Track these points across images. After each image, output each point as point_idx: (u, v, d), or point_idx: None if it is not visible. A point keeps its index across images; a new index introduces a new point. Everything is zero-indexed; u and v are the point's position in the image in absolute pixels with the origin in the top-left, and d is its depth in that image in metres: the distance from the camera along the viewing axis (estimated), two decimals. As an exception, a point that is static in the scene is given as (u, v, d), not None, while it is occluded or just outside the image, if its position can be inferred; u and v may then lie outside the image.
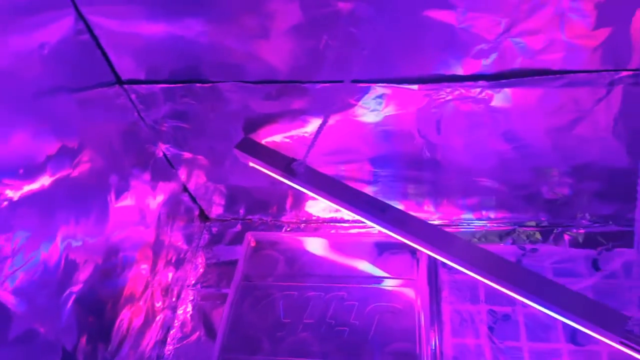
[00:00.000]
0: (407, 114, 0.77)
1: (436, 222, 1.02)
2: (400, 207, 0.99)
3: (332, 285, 0.90)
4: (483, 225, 1.01)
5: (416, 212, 1.01)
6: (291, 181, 0.77)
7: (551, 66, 0.67)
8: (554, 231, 0.98)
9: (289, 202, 1.03)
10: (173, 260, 0.95)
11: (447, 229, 1.01)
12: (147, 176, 0.85)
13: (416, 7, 0.62)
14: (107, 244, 0.76)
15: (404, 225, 0.72)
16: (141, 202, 0.84)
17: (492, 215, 1.00)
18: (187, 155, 0.91)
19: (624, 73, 0.67)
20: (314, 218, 1.05)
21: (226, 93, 0.77)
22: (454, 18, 0.62)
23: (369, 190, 0.95)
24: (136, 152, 0.84)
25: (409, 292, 0.86)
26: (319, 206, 1.02)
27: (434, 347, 0.83)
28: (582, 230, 0.98)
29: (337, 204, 0.75)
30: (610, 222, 0.97)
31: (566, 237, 0.97)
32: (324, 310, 0.86)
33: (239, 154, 0.82)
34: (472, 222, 1.02)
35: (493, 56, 0.66)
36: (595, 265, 0.88)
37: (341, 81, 0.68)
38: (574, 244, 0.96)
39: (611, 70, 0.67)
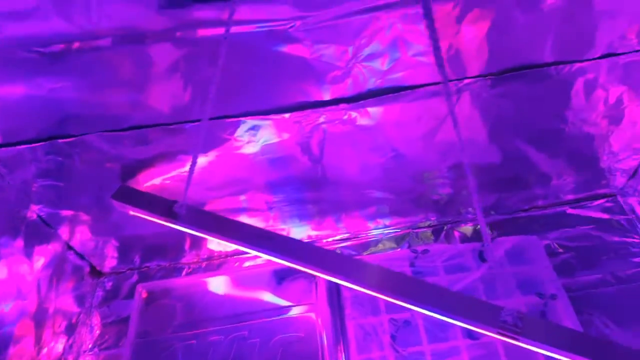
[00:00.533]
0: (285, 140, 0.79)
1: (340, 237, 1.05)
2: (303, 228, 1.01)
3: (233, 325, 0.88)
4: (381, 233, 1.05)
5: (319, 230, 1.03)
6: (175, 224, 0.76)
7: (401, 83, 0.71)
8: (444, 229, 1.04)
9: (187, 242, 1.01)
10: (63, 327, 0.89)
11: (351, 242, 1.05)
12: (19, 243, 0.79)
13: (266, 44, 0.64)
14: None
15: (291, 252, 0.72)
16: (14, 273, 0.78)
17: (387, 222, 1.04)
18: (65, 212, 0.86)
19: (466, 81, 0.73)
20: (215, 254, 1.04)
21: (94, 144, 0.75)
22: (304, 50, 0.65)
23: (267, 216, 0.96)
24: (4, 218, 0.78)
25: (311, 317, 0.87)
26: (219, 242, 1.01)
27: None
28: (469, 224, 1.05)
29: (223, 240, 0.75)
30: (492, 212, 1.05)
31: (455, 232, 1.04)
32: (226, 355, 0.84)
33: (117, 203, 0.79)
34: (371, 231, 1.05)
35: (348, 80, 0.70)
36: (481, 257, 0.94)
37: (207, 119, 0.68)
38: (463, 238, 1.03)
39: (454, 80, 0.73)
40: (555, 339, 0.62)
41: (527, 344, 0.62)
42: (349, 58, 0.67)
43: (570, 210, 1.04)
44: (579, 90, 0.79)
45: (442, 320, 0.86)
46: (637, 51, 0.76)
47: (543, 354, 0.80)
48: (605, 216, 1.03)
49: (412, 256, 0.96)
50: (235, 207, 0.93)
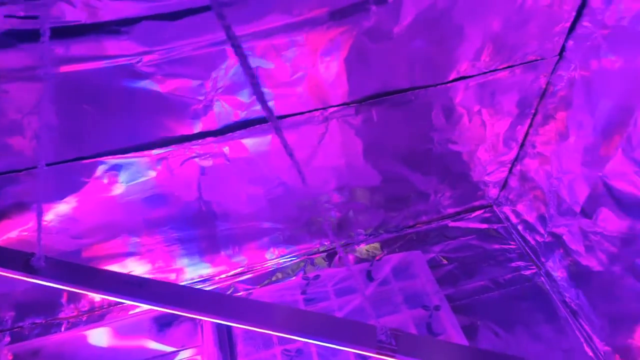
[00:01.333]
0: (154, 178, 0.76)
1: (235, 271, 1.03)
2: (197, 266, 0.98)
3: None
4: (277, 263, 1.04)
5: (215, 266, 1.00)
6: (34, 279, 0.70)
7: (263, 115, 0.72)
8: (337, 252, 1.06)
9: (64, 295, 0.93)
10: None
11: (248, 274, 1.03)
12: None
13: (114, 80, 0.61)
14: None
15: (163, 297, 0.69)
16: None
17: (282, 251, 1.04)
18: None
19: (331, 109, 0.75)
20: (97, 305, 0.97)
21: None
22: (156, 85, 0.63)
23: (153, 259, 0.92)
24: None
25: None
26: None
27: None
28: (362, 245, 1.07)
29: (88, 292, 0.70)
30: (381, 231, 1.08)
31: (350, 255, 1.06)
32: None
33: (-32, 261, 0.72)
34: (266, 263, 1.04)
35: (212, 113, 0.69)
36: (369, 277, 0.96)
37: (56, 163, 0.64)
38: (357, 260, 1.05)
39: (320, 109, 0.75)
40: (430, 352, 0.64)
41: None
42: (208, 90, 0.66)
43: (451, 224, 1.10)
44: (439, 112, 0.84)
45: (334, 345, 0.87)
46: (489, 72, 0.83)
47: None
48: (484, 226, 1.10)
49: (303, 284, 0.96)
50: (117, 252, 0.88)
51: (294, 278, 1.01)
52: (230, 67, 0.64)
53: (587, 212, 0.86)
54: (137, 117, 0.67)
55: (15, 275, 0.70)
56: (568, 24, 0.79)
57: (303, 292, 0.94)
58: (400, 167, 0.92)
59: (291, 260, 1.05)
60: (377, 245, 1.07)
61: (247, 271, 1.03)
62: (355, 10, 0.63)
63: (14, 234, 0.75)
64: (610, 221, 0.81)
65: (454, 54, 0.77)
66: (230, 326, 0.90)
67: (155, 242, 0.88)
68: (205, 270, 0.99)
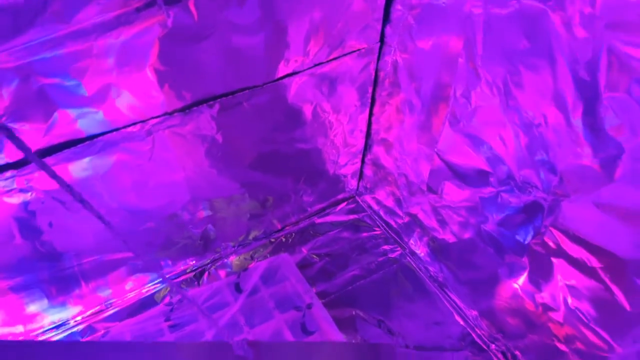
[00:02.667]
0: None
1: (97, 308, 0.95)
2: (63, 308, 0.89)
3: None
4: (138, 294, 0.98)
5: (74, 305, 0.91)
6: None
7: (78, 135, 0.66)
8: (208, 269, 1.02)
9: None
10: None
11: (116, 308, 0.95)
12: None
13: None
14: None
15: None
16: None
17: (146, 279, 0.97)
18: None
19: (152, 121, 0.71)
20: None
21: None
22: None
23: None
24: None
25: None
26: None
27: None
28: (232, 257, 1.04)
29: None
30: (251, 240, 1.06)
31: (220, 272, 1.02)
32: None
33: None
34: (128, 295, 0.97)
35: (3, 146, 0.62)
36: (237, 289, 0.93)
37: None
38: (230, 273, 1.01)
39: (139, 122, 0.70)
40: (290, 356, 0.63)
41: None
42: (-3, 119, 0.59)
43: (318, 220, 1.11)
44: (276, 111, 0.84)
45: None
46: (319, 64, 0.83)
47: None
48: (350, 217, 1.12)
49: (167, 310, 0.90)
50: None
51: (159, 305, 0.95)
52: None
53: (433, 188, 0.91)
54: None
55: None
56: (382, 10, 0.83)
57: (167, 319, 0.88)
58: (251, 172, 0.91)
59: (155, 287, 0.99)
60: (248, 255, 1.05)
61: (106, 308, 0.96)
62: (151, 13, 0.60)
63: None
64: (453, 193, 0.86)
65: (278, 50, 0.77)
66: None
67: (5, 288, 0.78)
68: (58, 314, 0.90)
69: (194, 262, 1.02)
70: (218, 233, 1.00)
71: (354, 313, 0.95)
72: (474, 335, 0.90)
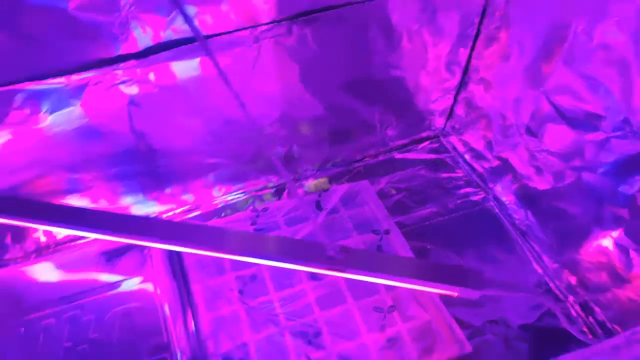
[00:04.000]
0: (78, 108, 0.73)
1: (183, 209, 1.01)
2: (144, 204, 0.96)
3: (64, 307, 0.82)
4: (225, 200, 1.03)
5: (163, 204, 0.98)
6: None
7: (192, 33, 0.68)
8: (285, 188, 1.05)
9: (7, 236, 0.91)
10: None
11: (197, 211, 1.01)
12: None
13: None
14: None
15: (110, 225, 0.68)
16: None
17: (229, 188, 1.03)
18: None
19: (261, 28, 0.72)
20: (43, 244, 0.95)
21: None
22: (63, 2, 0.59)
23: (94, 196, 0.89)
24: None
25: (148, 287, 0.84)
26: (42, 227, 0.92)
27: (190, 330, 0.82)
28: (310, 180, 1.07)
29: (29, 223, 0.68)
30: (329, 165, 1.08)
31: (298, 191, 1.05)
32: (59, 336, 0.78)
33: None
34: (214, 200, 1.03)
35: (129, 34, 0.66)
36: (318, 206, 0.96)
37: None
38: (304, 193, 1.04)
39: (250, 27, 0.71)
40: (376, 265, 0.65)
41: (354, 274, 0.64)
42: (121, 6, 0.62)
43: (398, 155, 1.10)
44: (377, 31, 0.82)
45: (287, 268, 0.88)
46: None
47: (383, 285, 0.85)
48: (431, 156, 1.11)
49: (253, 216, 0.95)
50: (55, 189, 0.85)
51: (240, 213, 1.01)
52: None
53: (533, 131, 0.87)
54: (47, 40, 0.63)
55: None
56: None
57: (253, 223, 0.94)
58: (342, 95, 0.91)
59: (238, 197, 1.04)
60: (325, 180, 1.07)
61: (195, 208, 1.02)
62: None
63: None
64: (556, 137, 0.82)
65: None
66: (180, 256, 0.89)
67: (93, 178, 0.85)
68: (152, 208, 0.98)
69: (274, 179, 1.05)
70: (300, 154, 1.02)
71: (428, 247, 0.95)
72: (552, 285, 0.88)
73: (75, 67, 0.67)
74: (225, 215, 1.00)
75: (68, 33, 0.63)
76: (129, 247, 0.87)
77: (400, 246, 0.90)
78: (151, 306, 0.81)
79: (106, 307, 0.82)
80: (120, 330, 0.79)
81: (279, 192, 1.05)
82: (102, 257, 0.87)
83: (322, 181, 1.07)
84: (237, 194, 1.04)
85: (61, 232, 0.92)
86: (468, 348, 0.79)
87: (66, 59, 0.66)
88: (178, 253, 0.91)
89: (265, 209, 0.96)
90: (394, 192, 1.04)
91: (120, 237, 0.70)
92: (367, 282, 0.84)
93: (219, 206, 1.03)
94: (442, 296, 0.83)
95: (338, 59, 0.83)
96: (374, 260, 0.66)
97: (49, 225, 0.69)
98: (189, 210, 1.02)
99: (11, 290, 0.85)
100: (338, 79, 0.87)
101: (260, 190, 1.05)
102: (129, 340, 0.78)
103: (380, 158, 1.10)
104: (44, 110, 0.70)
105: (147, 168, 0.90)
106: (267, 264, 0.67)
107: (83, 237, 0.95)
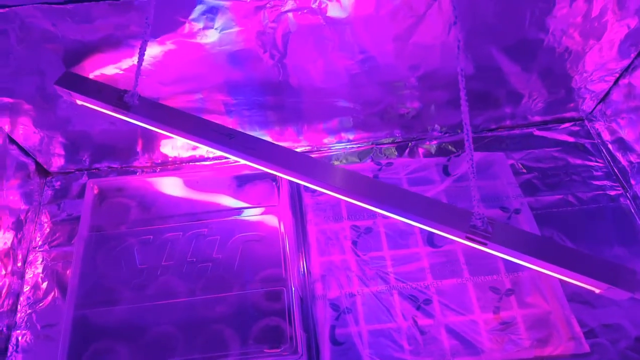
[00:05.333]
0: (245, 30, 0.72)
1: (301, 149, 1.01)
2: (264, 137, 0.97)
3: (191, 223, 0.85)
4: (344, 147, 1.02)
5: (279, 140, 0.98)
6: (124, 115, 0.70)
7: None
8: (409, 145, 1.02)
9: (139, 144, 0.95)
10: (10, 223, 0.84)
11: (312, 154, 1.01)
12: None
13: None
14: None
15: (253, 150, 0.68)
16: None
17: (351, 136, 1.01)
18: (4, 99, 0.79)
19: (447, -27, 0.67)
20: (170, 159, 0.99)
21: (31, 18, 0.66)
22: None
23: (225, 121, 0.91)
24: None
25: (272, 219, 0.85)
26: (174, 144, 0.95)
27: (301, 269, 0.83)
28: (434, 142, 1.03)
29: (177, 135, 0.70)
30: (459, 131, 1.02)
31: (420, 149, 1.02)
32: (184, 250, 0.82)
33: (62, 90, 0.72)
34: (333, 145, 1.02)
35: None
36: (445, 171, 0.92)
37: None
38: (427, 154, 1.01)
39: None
40: (523, 245, 0.60)
41: (495, 250, 0.61)
42: None
43: (537, 132, 1.03)
44: (561, -4, 0.74)
45: (404, 228, 0.86)
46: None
47: (502, 261, 0.82)
48: (571, 139, 1.03)
49: (375, 168, 0.93)
50: (191, 107, 0.87)
51: (360, 163, 0.99)
52: None
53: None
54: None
55: (108, 110, 0.71)
56: None
57: (375, 177, 0.92)
58: (501, 55, 0.84)
59: (359, 146, 1.02)
60: (451, 144, 1.02)
61: (313, 150, 1.02)
62: None
63: (108, 71, 0.75)
64: None
65: None
66: (301, 196, 0.90)
67: (232, 103, 0.86)
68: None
69: (399, 134, 1.02)
70: (433, 113, 0.98)
71: (554, 235, 0.90)
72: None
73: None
74: (345, 163, 0.99)
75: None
76: (261, 176, 0.88)
77: (530, 229, 0.85)
78: (273, 238, 0.82)
79: (232, 231, 0.84)
80: (241, 256, 0.82)
81: (400, 148, 1.02)
82: (234, 182, 0.89)
83: (447, 144, 1.02)
84: (358, 144, 1.02)
85: (200, 148, 0.94)
86: (586, 348, 0.76)
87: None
88: (299, 191, 0.92)
89: (389, 164, 0.94)
90: (524, 170, 0.98)
91: (258, 163, 0.70)
92: (486, 259, 0.81)
93: (336, 153, 1.02)
94: (564, 288, 0.80)
95: (513, 16, 0.77)
96: (523, 240, 0.61)
97: (193, 139, 0.71)
98: (307, 152, 1.01)
99: (141, 198, 0.89)
100: (505, 38, 0.81)
101: (382, 143, 1.02)
102: (248, 267, 0.81)
103: (516, 131, 1.03)
104: (215, 27, 0.70)
105: (281, 102, 0.90)
106: (395, 219, 0.65)
107: (219, 163, 0.97)
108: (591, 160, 1.00)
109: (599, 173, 0.98)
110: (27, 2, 0.64)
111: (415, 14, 0.73)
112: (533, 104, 0.98)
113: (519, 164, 0.99)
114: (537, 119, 1.03)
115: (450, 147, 1.01)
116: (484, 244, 0.61)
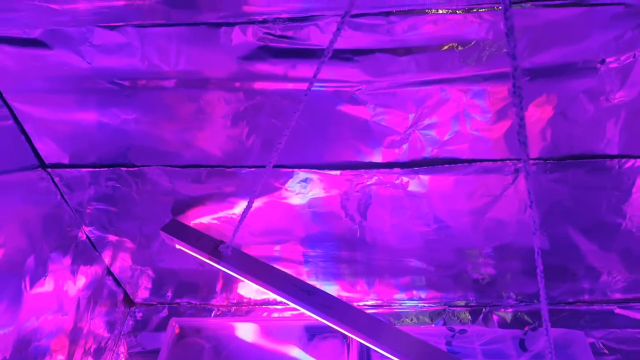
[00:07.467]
0: (332, 197, 0.80)
1: (370, 302, 1.03)
2: (334, 287, 1.00)
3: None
4: (414, 305, 1.02)
5: (350, 292, 1.01)
6: (218, 264, 0.77)
7: (459, 155, 0.72)
8: (483, 311, 1.00)
9: (219, 284, 1.01)
10: (92, 350, 0.90)
11: (381, 309, 1.02)
12: (67, 260, 0.82)
13: (331, 102, 0.66)
14: (18, 335, 0.71)
15: (329, 309, 0.72)
16: (59, 288, 0.80)
17: (422, 295, 1.01)
18: (112, 237, 0.89)
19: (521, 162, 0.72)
20: (245, 300, 1.03)
21: (153, 177, 0.78)
22: (366, 112, 0.67)
23: (301, 270, 0.96)
24: (57, 235, 0.81)
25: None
26: (251, 288, 1.00)
27: None
28: (509, 310, 1.00)
29: (262, 287, 0.75)
30: (535, 301, 1.00)
31: (494, 317, 0.99)
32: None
33: (166, 236, 0.81)
34: (404, 302, 1.03)
35: (405, 146, 0.71)
36: (522, 346, 0.89)
37: (263, 166, 0.70)
38: (502, 324, 0.98)
39: (514, 159, 0.72)
40: None
41: None
42: (409, 125, 0.68)
43: (618, 310, 0.98)
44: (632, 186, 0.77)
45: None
46: None
47: None
48: (657, 322, 0.97)
49: (448, 334, 0.92)
50: (271, 255, 0.93)
51: (432, 325, 0.98)
52: (437, 106, 0.66)
53: None
54: (338, 139, 0.71)
55: (203, 257, 0.78)
56: None
57: (448, 343, 0.90)
58: (577, 235, 0.85)
59: (430, 306, 1.02)
60: (527, 313, 1.00)
61: (383, 305, 1.02)
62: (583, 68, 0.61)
63: (206, 220, 0.84)
64: None
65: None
66: (370, 355, 0.89)
67: (310, 255, 0.91)
68: (342, 293, 1.00)
69: (473, 297, 1.01)
70: (509, 281, 0.97)
71: None
72: None
73: (349, 164, 0.74)
74: (416, 324, 0.99)
75: (357, 137, 0.70)
76: (332, 331, 0.89)
77: None
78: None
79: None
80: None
81: (474, 313, 1.00)
82: (305, 334, 0.91)
83: (522, 314, 1.00)
84: (429, 303, 1.02)
85: (274, 297, 0.99)
86: None
87: (344, 156, 0.73)
88: (369, 353, 0.91)
89: (463, 331, 0.92)
90: (606, 351, 0.92)
91: (334, 323, 0.73)
92: None
93: (406, 310, 1.02)
94: None
95: (588, 201, 0.79)
96: None
97: (276, 292, 0.76)
98: (375, 306, 1.02)
99: (216, 341, 0.92)
100: (580, 219, 0.82)
101: (454, 306, 1.01)
102: None
103: (595, 307, 0.99)
104: (306, 192, 0.78)
105: (355, 257, 0.94)
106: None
107: (290, 308, 1.00)
108: (682, 348, 0.93)
109: (693, 364, 0.90)
110: (154, 164, 0.76)
111: (492, 193, 0.78)
112: (613, 282, 0.95)
113: (600, 343, 0.93)
114: (618, 296, 0.99)
115: (526, 317, 0.98)
116: None
